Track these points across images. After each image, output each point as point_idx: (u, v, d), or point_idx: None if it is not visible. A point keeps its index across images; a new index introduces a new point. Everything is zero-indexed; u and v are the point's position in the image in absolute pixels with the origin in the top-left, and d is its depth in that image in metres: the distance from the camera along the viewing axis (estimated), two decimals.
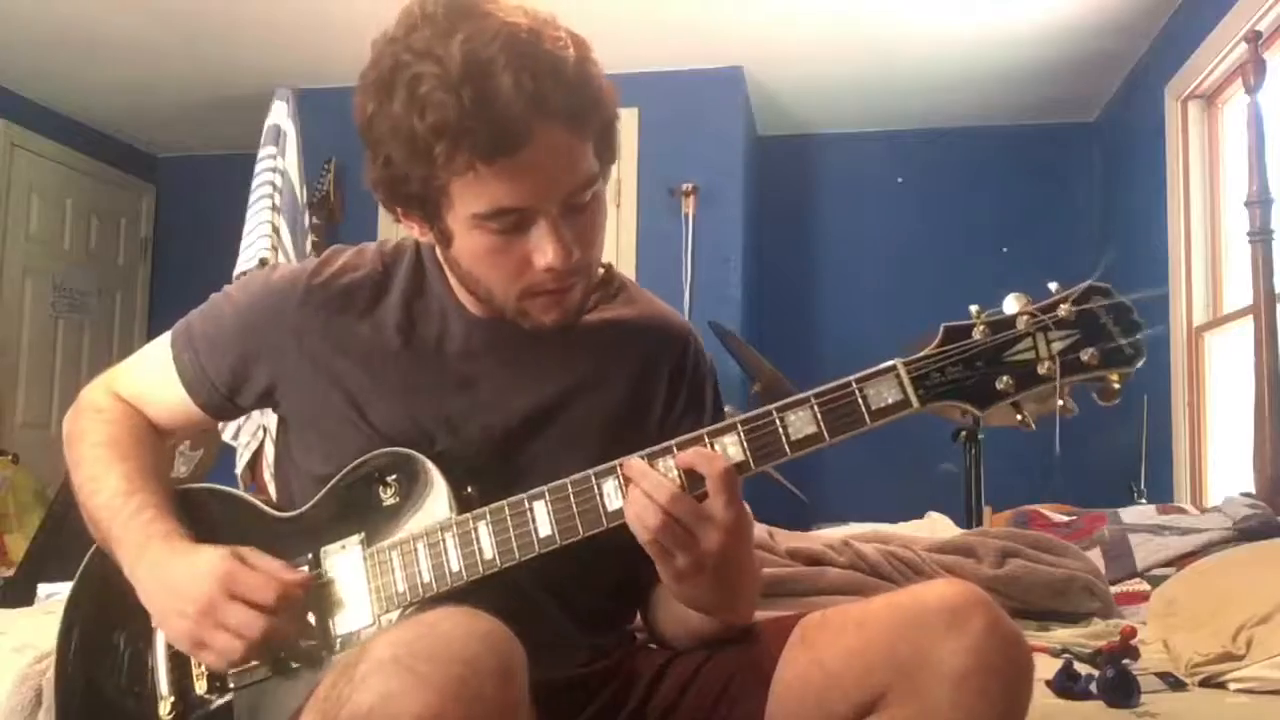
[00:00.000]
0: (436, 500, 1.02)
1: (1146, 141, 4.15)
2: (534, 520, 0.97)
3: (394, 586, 1.01)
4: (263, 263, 3.58)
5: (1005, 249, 4.83)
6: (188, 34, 4.24)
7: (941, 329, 0.91)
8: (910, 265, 4.93)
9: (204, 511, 1.14)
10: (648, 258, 4.39)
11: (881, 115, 4.97)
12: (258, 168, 3.78)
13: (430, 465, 1.03)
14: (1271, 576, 1.60)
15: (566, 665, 1.07)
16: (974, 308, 0.91)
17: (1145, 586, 2.16)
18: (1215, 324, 3.69)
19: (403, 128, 0.93)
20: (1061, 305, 0.89)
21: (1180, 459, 3.74)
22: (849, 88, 4.70)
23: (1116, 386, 0.89)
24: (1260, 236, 2.92)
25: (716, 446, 0.93)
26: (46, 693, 1.34)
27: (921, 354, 0.91)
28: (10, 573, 3.27)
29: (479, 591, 0.97)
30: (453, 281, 1.11)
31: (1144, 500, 3.43)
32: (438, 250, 1.08)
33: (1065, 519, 2.60)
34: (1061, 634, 1.76)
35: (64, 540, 2.72)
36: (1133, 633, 1.41)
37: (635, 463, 0.93)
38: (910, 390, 0.90)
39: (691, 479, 0.92)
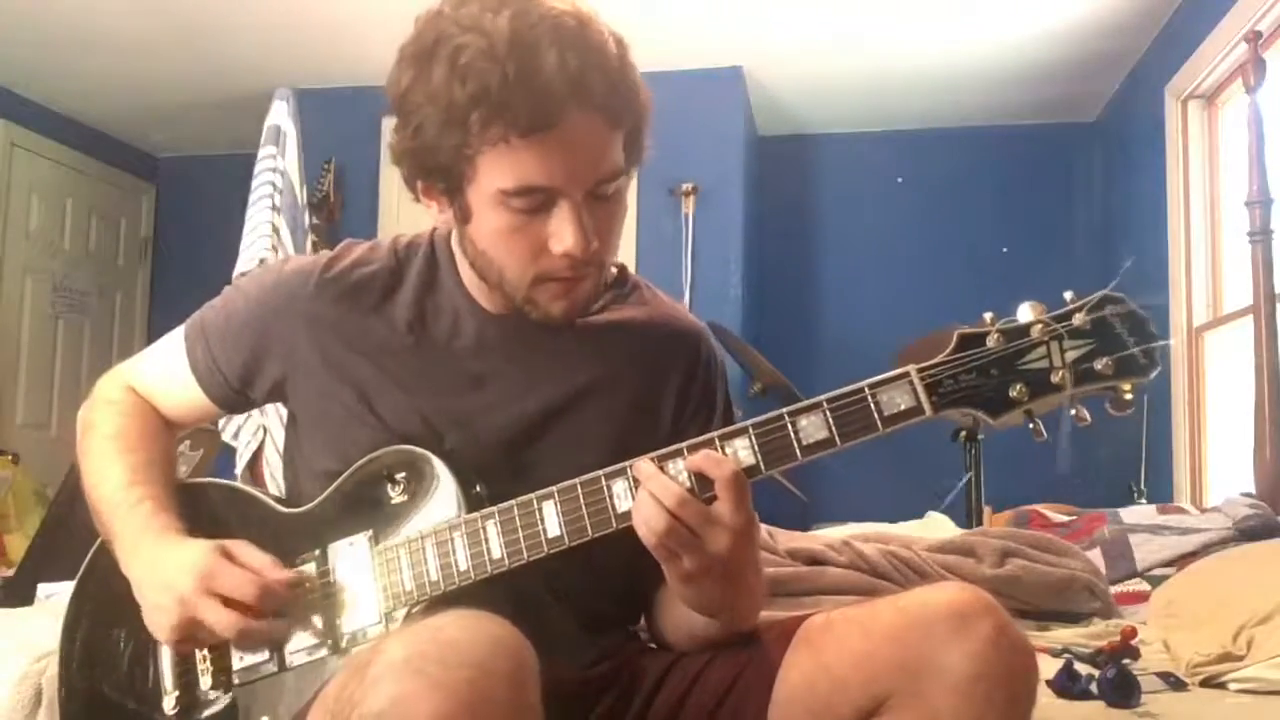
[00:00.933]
0: (445, 499, 1.02)
1: (1146, 141, 4.15)
2: (543, 521, 0.97)
3: (401, 584, 1.01)
4: (263, 263, 3.58)
5: (1005, 249, 4.83)
6: (188, 34, 4.23)
7: (955, 336, 0.90)
8: (910, 265, 4.93)
9: (211, 506, 1.14)
10: (648, 258, 4.39)
11: (881, 115, 4.97)
12: (258, 168, 3.78)
13: (440, 463, 1.03)
14: (1271, 576, 1.60)
15: (571, 666, 1.07)
16: (988, 315, 0.91)
17: (1145, 586, 2.16)
18: (1215, 324, 3.69)
19: (440, 95, 0.94)
20: (1076, 314, 0.89)
21: (1180, 459, 3.74)
22: (849, 88, 4.70)
23: (1129, 397, 0.89)
24: (1260, 236, 2.92)
25: (728, 450, 0.93)
26: (46, 692, 1.35)
27: (935, 360, 0.90)
28: (10, 573, 3.27)
29: (485, 591, 0.97)
30: (465, 277, 1.11)
31: (1144, 500, 3.43)
32: (454, 231, 1.08)
33: (1065, 519, 2.60)
34: (1062, 634, 1.76)
35: (64, 540, 2.71)
36: (1133, 633, 1.41)
37: (644, 465, 0.93)
38: (923, 397, 0.90)
39: (702, 482, 0.92)
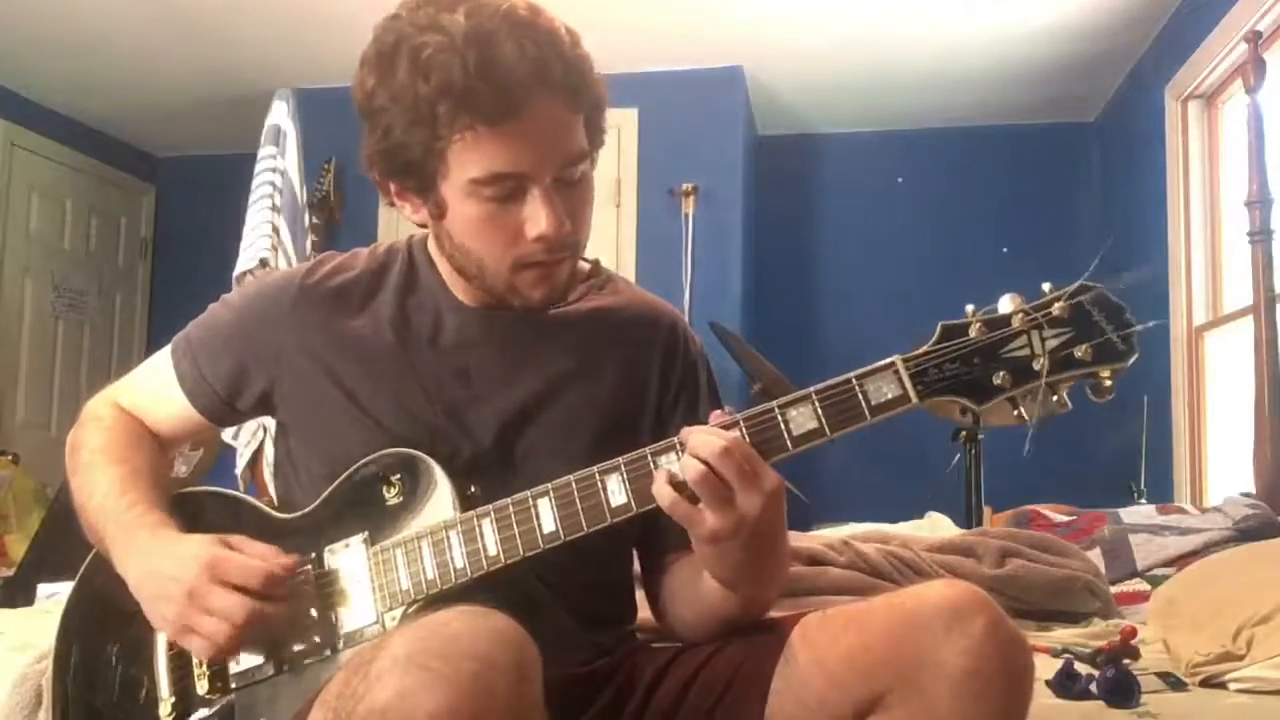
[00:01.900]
0: (441, 500, 1.02)
1: (1146, 141, 4.15)
2: (538, 516, 0.97)
3: (398, 584, 1.01)
4: (263, 263, 3.59)
5: (1005, 249, 4.83)
6: (188, 34, 4.24)
7: (939, 327, 0.93)
8: (910, 265, 4.93)
9: (206, 513, 1.14)
10: (648, 258, 4.39)
11: (881, 115, 4.97)
12: (258, 168, 3.78)
13: (434, 464, 1.04)
14: (1271, 576, 1.60)
15: (568, 663, 1.07)
16: (970, 307, 0.93)
17: (1145, 586, 2.16)
18: (1215, 324, 3.69)
19: (406, 93, 0.97)
20: (1055, 304, 0.91)
21: (1180, 459, 3.74)
22: (849, 88, 4.70)
23: (1109, 383, 0.91)
24: (1260, 236, 2.92)
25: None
26: (46, 692, 1.34)
27: (920, 350, 0.93)
28: (10, 573, 3.28)
29: (481, 590, 0.97)
30: (444, 273, 1.14)
31: (1144, 500, 3.43)
32: (430, 229, 1.11)
33: (1065, 519, 2.59)
34: (1061, 634, 1.75)
35: (64, 540, 2.71)
36: (1133, 633, 1.41)
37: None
38: (909, 385, 0.92)
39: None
